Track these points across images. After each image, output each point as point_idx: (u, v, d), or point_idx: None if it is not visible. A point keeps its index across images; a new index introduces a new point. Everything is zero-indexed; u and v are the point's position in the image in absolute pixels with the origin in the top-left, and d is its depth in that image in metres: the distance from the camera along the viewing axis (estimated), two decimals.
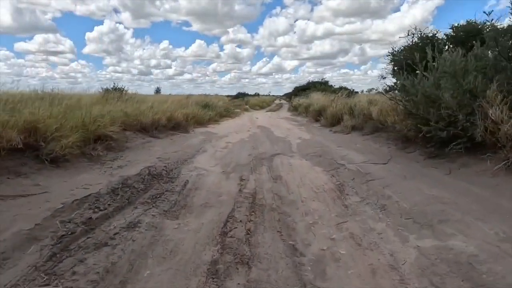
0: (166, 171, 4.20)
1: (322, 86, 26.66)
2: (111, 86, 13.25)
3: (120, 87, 13.26)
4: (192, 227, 2.49)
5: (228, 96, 42.16)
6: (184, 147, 6.25)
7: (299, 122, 11.92)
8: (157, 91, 29.02)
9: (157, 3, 58.62)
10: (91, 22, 57.62)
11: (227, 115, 14.08)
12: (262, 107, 26.09)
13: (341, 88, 20.33)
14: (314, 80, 32.51)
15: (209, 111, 11.72)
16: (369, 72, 59.92)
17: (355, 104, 9.15)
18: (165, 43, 62.44)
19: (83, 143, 4.60)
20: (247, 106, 25.11)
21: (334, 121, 9.21)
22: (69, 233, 2.30)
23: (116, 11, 58.83)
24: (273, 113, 19.84)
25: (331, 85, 26.43)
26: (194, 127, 9.17)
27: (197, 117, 9.85)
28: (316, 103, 12.03)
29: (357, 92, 18.84)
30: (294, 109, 17.88)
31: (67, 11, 54.24)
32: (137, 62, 59.24)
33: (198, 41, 66.22)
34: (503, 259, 1.92)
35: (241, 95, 41.67)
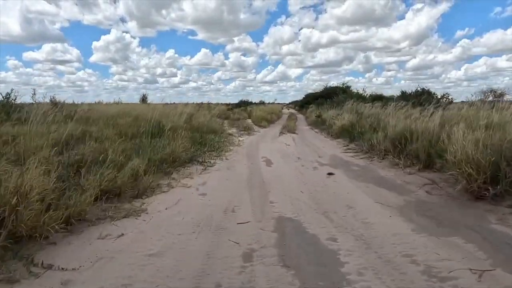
0: None
1: (354, 93, 18.17)
2: None
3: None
4: None
5: (228, 104, 32.94)
6: None
7: (417, 196, 3.61)
8: (143, 99, 18.73)
9: (163, 12, 53.80)
10: (98, 31, 54.76)
11: (194, 158, 5.44)
12: (270, 121, 17.57)
13: (422, 92, 10.47)
14: (333, 86, 23.71)
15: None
16: (373, 80, 58.00)
17: None
18: (170, 52, 57.91)
19: None
20: (249, 121, 16.68)
21: None
22: None
23: (122, 20, 54.37)
24: (295, 137, 10.91)
25: (362, 93, 17.80)
26: None
27: None
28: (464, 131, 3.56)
29: (450, 102, 9.54)
30: (344, 134, 9.00)
31: (74, 21, 51.44)
32: (143, 70, 55.07)
33: (203, 50, 61.63)
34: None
35: (244, 103, 32.76)
